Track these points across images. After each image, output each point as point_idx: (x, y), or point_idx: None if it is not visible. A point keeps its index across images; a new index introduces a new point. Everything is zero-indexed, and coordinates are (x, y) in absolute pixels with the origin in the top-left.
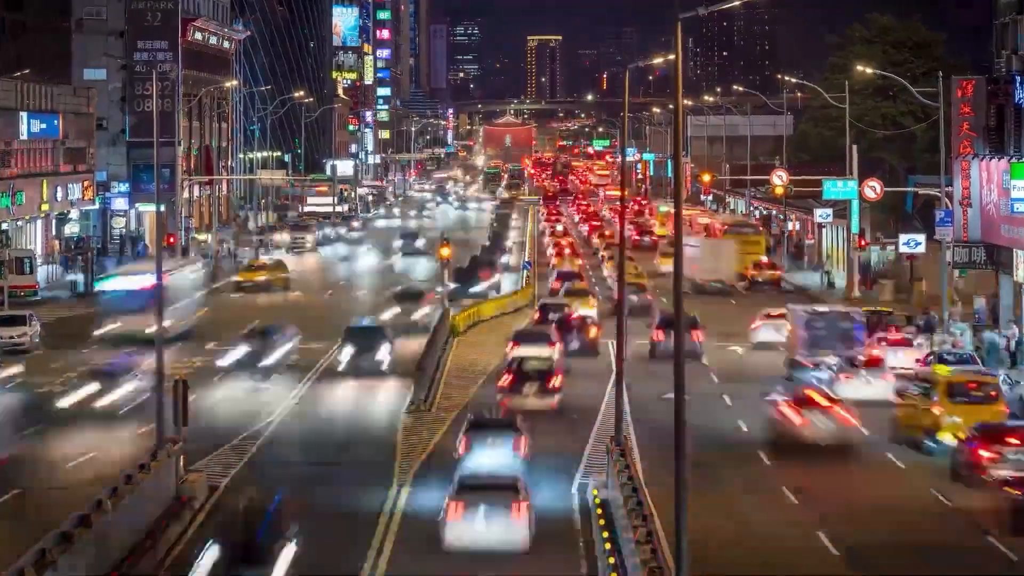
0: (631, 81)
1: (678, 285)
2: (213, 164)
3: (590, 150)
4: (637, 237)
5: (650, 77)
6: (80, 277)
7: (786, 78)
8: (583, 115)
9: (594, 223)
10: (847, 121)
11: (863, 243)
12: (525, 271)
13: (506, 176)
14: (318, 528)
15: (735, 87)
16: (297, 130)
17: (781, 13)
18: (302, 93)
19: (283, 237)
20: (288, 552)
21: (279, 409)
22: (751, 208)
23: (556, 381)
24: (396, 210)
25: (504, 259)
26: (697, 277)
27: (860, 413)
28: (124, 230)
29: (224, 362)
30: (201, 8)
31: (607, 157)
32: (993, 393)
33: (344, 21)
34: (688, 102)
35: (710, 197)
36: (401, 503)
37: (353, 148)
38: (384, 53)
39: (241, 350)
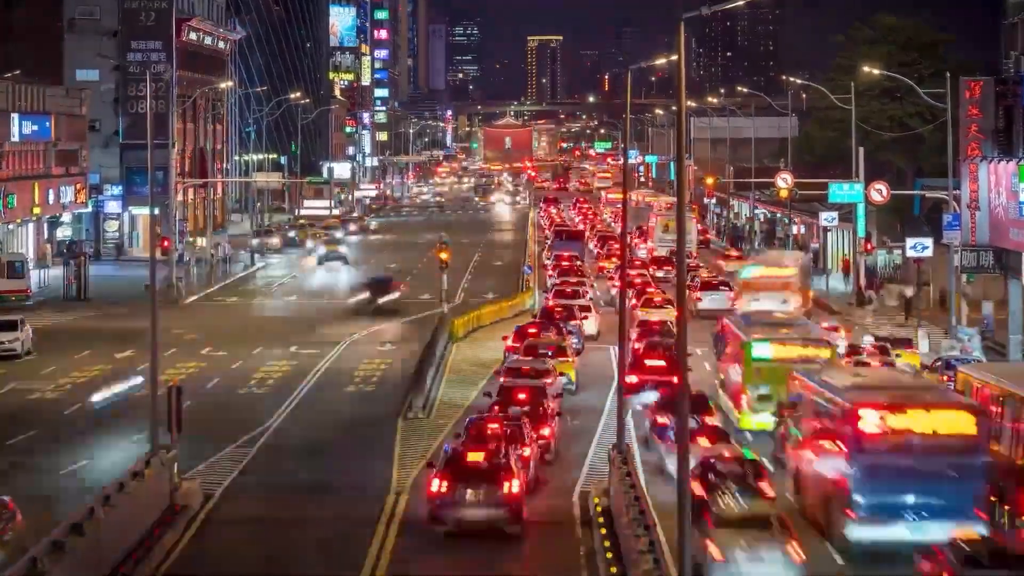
0: (633, 82)
1: (680, 284)
2: (208, 166)
3: (591, 152)
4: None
5: (652, 78)
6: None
7: (791, 79)
8: (584, 117)
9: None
10: (853, 123)
11: (869, 247)
12: (526, 273)
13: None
14: (316, 535)
15: (739, 88)
16: (293, 132)
17: (785, 13)
18: (298, 94)
19: (278, 240)
20: None
21: (274, 416)
22: (755, 211)
23: None
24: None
25: None
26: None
27: None
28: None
29: None
30: (196, 8)
31: (609, 159)
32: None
33: (341, 21)
34: (691, 103)
35: (713, 200)
36: (399, 511)
37: (350, 150)
38: (382, 54)
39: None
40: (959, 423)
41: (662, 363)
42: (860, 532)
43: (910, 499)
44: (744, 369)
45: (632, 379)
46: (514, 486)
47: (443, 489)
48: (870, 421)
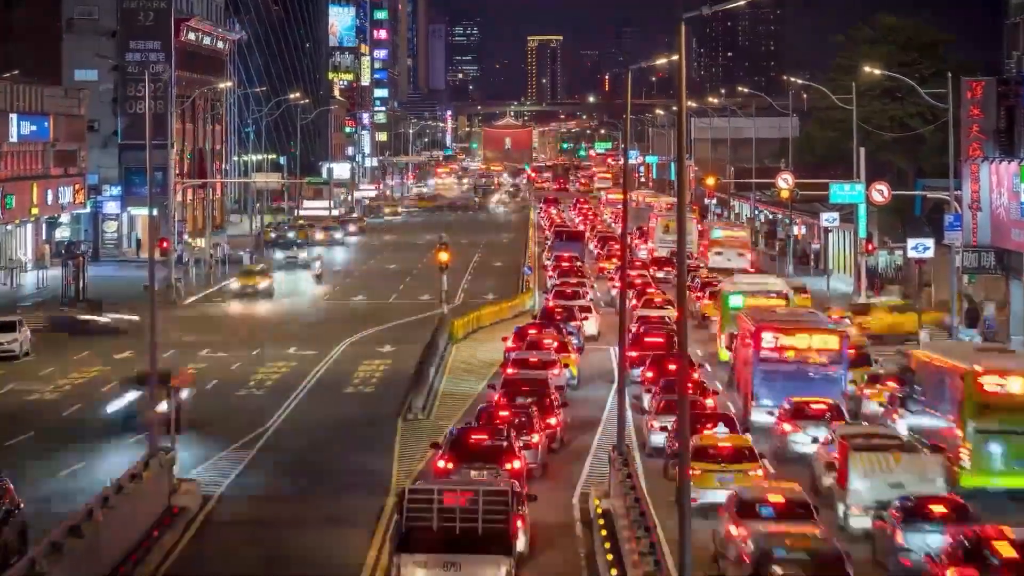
0: (633, 82)
1: (681, 284)
2: (207, 167)
3: (592, 153)
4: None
5: (653, 78)
6: None
7: (791, 79)
8: (584, 117)
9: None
10: (855, 123)
11: (871, 248)
12: (526, 274)
13: None
14: (315, 536)
15: (739, 88)
16: (292, 132)
17: (786, 13)
18: (298, 95)
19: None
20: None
21: (273, 417)
22: (756, 212)
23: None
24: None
25: None
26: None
27: None
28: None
29: None
30: (195, 8)
31: (609, 160)
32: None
33: (341, 21)
34: (692, 104)
35: (714, 200)
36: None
37: (350, 151)
38: (381, 54)
39: None
40: (828, 341)
41: (660, 340)
42: (757, 417)
43: (792, 393)
44: (721, 315)
45: (632, 353)
46: (515, 465)
47: (448, 468)
48: (767, 339)
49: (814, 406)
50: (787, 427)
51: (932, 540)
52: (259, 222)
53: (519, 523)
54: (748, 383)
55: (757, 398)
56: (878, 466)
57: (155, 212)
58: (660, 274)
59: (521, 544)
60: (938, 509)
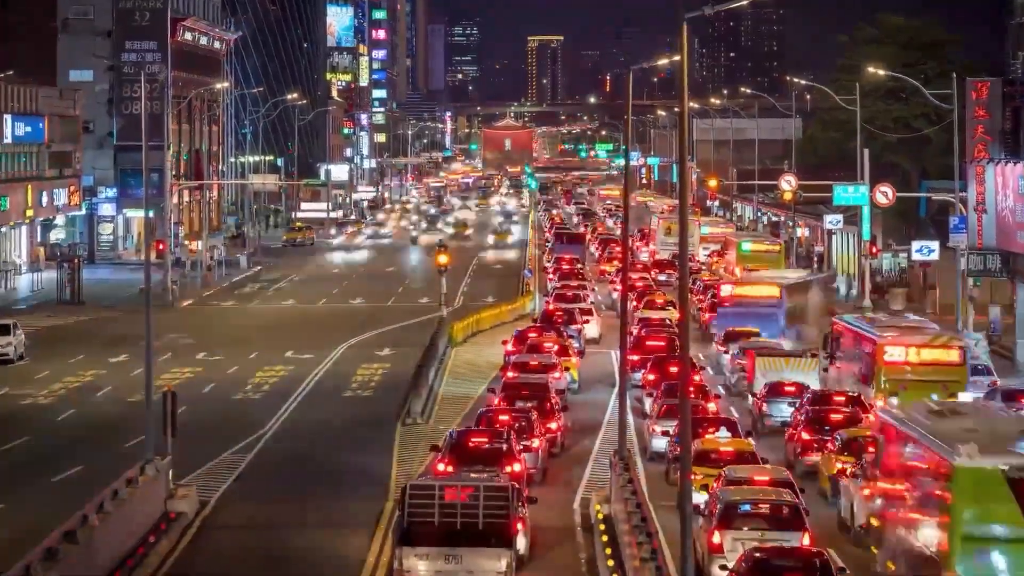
0: (635, 82)
1: (683, 286)
2: (203, 168)
3: (592, 154)
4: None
5: (654, 79)
6: None
7: (795, 80)
8: (585, 118)
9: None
10: (859, 124)
11: (875, 250)
12: (526, 277)
13: None
14: (313, 540)
15: (742, 89)
16: (290, 133)
17: (789, 13)
18: (295, 95)
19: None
20: None
21: (271, 421)
22: (759, 214)
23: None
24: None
25: None
26: None
27: None
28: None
29: None
30: (191, 8)
31: (610, 163)
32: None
33: (339, 21)
34: (694, 105)
35: (716, 202)
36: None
37: (348, 152)
38: (380, 54)
39: None
40: (771, 291)
41: (661, 343)
42: (714, 348)
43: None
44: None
45: (634, 357)
46: (515, 468)
47: (448, 471)
48: (724, 289)
49: (740, 332)
50: (721, 348)
51: (782, 409)
52: (258, 224)
53: (519, 525)
54: (709, 323)
55: (716, 333)
56: (773, 367)
57: (151, 214)
58: (662, 277)
59: (522, 547)
60: (788, 390)
